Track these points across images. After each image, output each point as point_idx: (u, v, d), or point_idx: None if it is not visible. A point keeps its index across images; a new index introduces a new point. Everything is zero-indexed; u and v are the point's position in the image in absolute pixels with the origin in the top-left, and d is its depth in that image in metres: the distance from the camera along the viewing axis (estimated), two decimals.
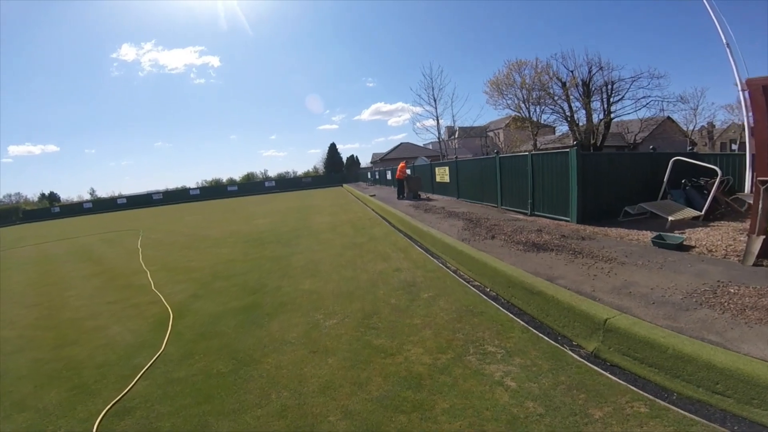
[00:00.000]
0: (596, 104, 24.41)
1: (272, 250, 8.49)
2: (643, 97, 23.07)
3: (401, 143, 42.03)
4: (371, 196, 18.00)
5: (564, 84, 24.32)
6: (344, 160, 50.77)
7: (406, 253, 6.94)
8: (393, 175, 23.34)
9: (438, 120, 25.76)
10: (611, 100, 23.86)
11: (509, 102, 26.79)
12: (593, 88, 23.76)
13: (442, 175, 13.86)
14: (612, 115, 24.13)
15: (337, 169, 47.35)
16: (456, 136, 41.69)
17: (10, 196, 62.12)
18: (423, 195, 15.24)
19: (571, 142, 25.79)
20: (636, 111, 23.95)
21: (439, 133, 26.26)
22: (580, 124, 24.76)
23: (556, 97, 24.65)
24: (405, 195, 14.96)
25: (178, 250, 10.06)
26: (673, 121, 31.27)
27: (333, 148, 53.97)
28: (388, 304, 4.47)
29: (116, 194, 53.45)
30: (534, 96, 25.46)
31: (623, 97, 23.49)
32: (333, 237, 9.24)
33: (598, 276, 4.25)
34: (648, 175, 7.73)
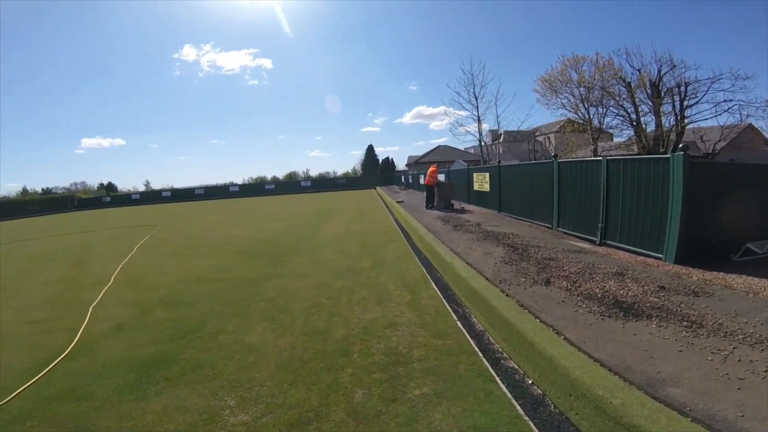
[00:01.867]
0: (666, 108, 20.55)
1: (254, 267, 6.90)
2: (725, 101, 18.89)
3: (439, 146, 39.27)
4: (398, 202, 16.02)
5: (629, 84, 20.75)
6: (381, 162, 49.31)
7: (414, 293, 4.88)
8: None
9: (479, 120, 23.11)
10: (685, 103, 19.89)
11: (564, 101, 23.47)
12: (663, 90, 19.96)
13: (481, 182, 11.56)
14: (686, 120, 20.12)
15: (374, 171, 45.95)
16: (501, 139, 38.45)
17: (76, 184, 68.01)
18: (457, 205, 12.98)
19: (636, 149, 22.04)
20: (716, 116, 19.71)
21: (480, 134, 23.57)
22: (648, 129, 20.97)
23: (618, 98, 21.09)
24: (435, 204, 12.82)
25: (166, 256, 8.87)
26: (755, 129, 25.91)
27: (371, 149, 52.70)
28: (348, 405, 2.62)
29: (169, 187, 56.18)
30: (594, 96, 22.02)
31: (700, 100, 19.43)
32: (333, 256, 7.42)
33: (747, 381, 2.09)
34: None
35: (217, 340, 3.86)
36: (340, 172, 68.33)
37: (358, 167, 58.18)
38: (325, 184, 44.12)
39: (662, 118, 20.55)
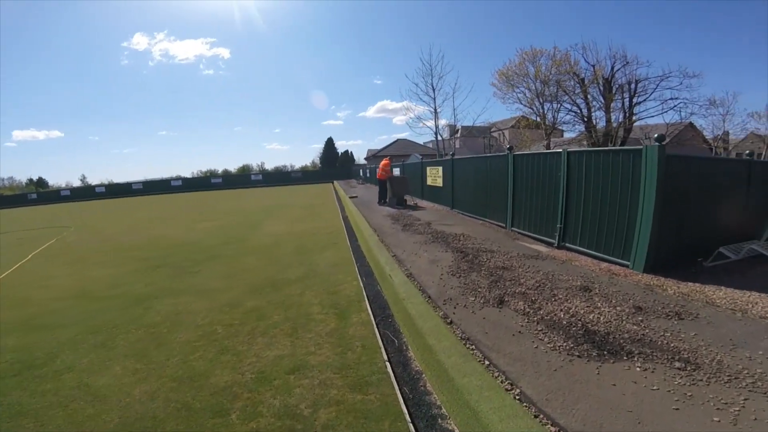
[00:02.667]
0: (616, 104, 21.29)
1: (154, 280, 5.69)
2: (671, 99, 19.83)
3: (398, 139, 38.39)
4: (352, 198, 14.94)
5: (582, 80, 21.17)
6: (340, 155, 47.70)
7: (342, 318, 3.86)
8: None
9: (436, 112, 22.47)
10: (634, 100, 20.70)
11: (520, 96, 23.53)
12: (615, 86, 20.60)
13: (435, 177, 10.80)
14: (634, 117, 20.96)
15: (333, 165, 44.30)
16: (458, 134, 38.44)
17: (2, 179, 59.68)
18: (410, 200, 12.17)
19: (587, 145, 22.64)
20: (662, 113, 20.70)
21: (436, 127, 22.94)
22: (598, 126, 21.61)
23: (572, 94, 21.49)
24: (387, 200, 11.91)
25: (62, 265, 7.35)
26: (694, 127, 27.92)
27: (330, 143, 50.82)
28: None
29: (108, 182, 50.40)
30: (549, 91, 22.25)
31: (648, 97, 20.27)
32: (257, 264, 6.20)
33: None
34: (746, 197, 4.68)
35: (58, 381, 3.00)
36: (298, 165, 65.75)
37: (318, 161, 56.17)
38: (278, 178, 41.61)
39: (612, 114, 21.22)
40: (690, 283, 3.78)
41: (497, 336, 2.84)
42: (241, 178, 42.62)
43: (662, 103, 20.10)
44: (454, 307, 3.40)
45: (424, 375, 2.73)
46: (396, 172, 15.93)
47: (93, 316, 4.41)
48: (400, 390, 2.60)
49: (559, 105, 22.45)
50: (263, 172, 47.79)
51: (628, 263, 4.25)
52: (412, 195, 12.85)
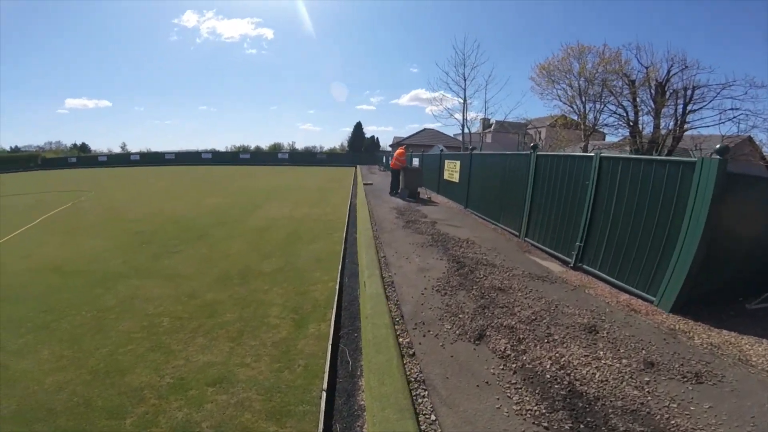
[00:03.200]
0: (668, 110, 19.17)
1: (133, 258, 5.61)
2: (732, 109, 17.51)
3: (425, 128, 36.74)
4: (366, 184, 14.33)
5: (632, 81, 19.26)
6: (367, 140, 46.95)
7: (299, 327, 3.31)
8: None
9: (465, 103, 21.13)
10: (689, 107, 18.50)
11: (560, 92, 21.77)
12: (669, 91, 18.49)
13: (452, 171, 9.95)
14: (686, 125, 18.81)
15: (359, 149, 43.66)
16: (492, 128, 36.64)
17: (51, 143, 63.53)
18: (424, 193, 11.40)
19: (629, 151, 20.81)
20: (719, 124, 18.34)
21: (464, 118, 21.62)
22: (644, 131, 19.66)
23: (618, 95, 19.61)
24: (399, 191, 11.22)
25: (60, 233, 7.37)
26: (753, 142, 24.78)
27: (359, 127, 50.00)
28: None
29: (145, 150, 52.27)
30: (593, 90, 20.43)
31: (706, 105, 18.02)
32: (240, 249, 5.79)
33: None
34: None
35: None
36: (327, 147, 65.65)
37: (346, 144, 55.73)
38: (304, 158, 41.48)
39: (661, 120, 19.23)
40: (725, 331, 2.94)
41: (458, 384, 2.20)
42: (269, 156, 42.83)
43: (720, 113, 17.78)
44: (424, 335, 2.77)
45: (365, 414, 2.15)
46: (415, 162, 15.13)
47: (55, 293, 4.31)
48: (323, 430, 2.04)
49: (602, 106, 20.60)
50: (290, 152, 47.88)
51: (654, 299, 3.41)
52: (426, 188, 12.07)
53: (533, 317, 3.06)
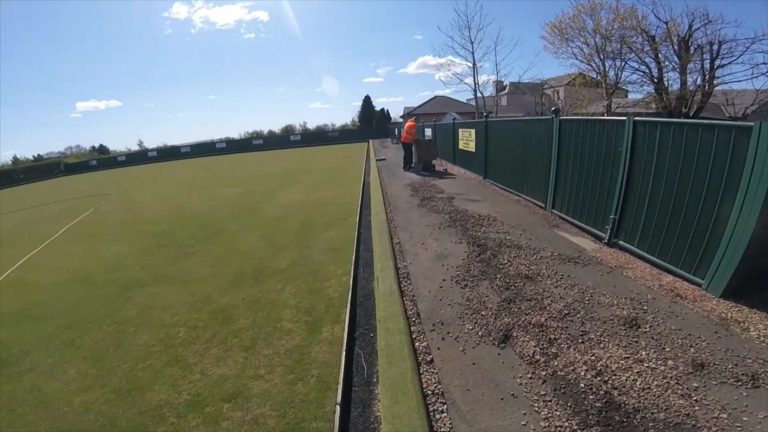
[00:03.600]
0: (694, 66, 17.34)
1: (151, 263, 5.66)
2: (764, 63, 15.60)
3: (436, 96, 34.78)
4: (379, 160, 13.94)
5: (652, 37, 17.53)
6: (377, 113, 45.72)
7: (312, 330, 3.17)
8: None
9: (475, 67, 19.77)
10: (717, 63, 16.58)
11: (576, 51, 20.10)
12: (693, 46, 16.64)
13: (467, 140, 9.40)
14: (716, 81, 16.98)
15: (370, 123, 42.67)
16: (506, 90, 34.64)
17: (71, 148, 65.37)
18: (440, 165, 10.92)
19: (655, 108, 19.25)
20: (751, 79, 16.40)
21: (475, 83, 20.34)
22: (671, 88, 17.99)
23: (639, 52, 17.95)
24: (413, 165, 10.81)
25: (85, 240, 7.60)
26: None
27: (367, 100, 48.60)
28: None
29: (163, 145, 53.16)
30: (612, 47, 18.74)
31: (735, 60, 16.12)
32: (255, 243, 5.71)
33: None
34: None
35: (17, 382, 3.01)
36: (339, 123, 64.55)
37: (357, 119, 54.64)
38: (316, 138, 40.96)
39: (687, 76, 17.54)
40: None
41: (480, 397, 2.00)
42: (281, 139, 42.60)
43: (753, 68, 16.02)
44: (442, 338, 2.57)
45: (381, 427, 2.01)
46: (428, 133, 14.50)
47: (79, 306, 4.42)
48: None
49: (623, 63, 18.93)
50: (302, 133, 47.47)
51: (702, 281, 3.03)
52: (441, 159, 11.56)
53: (566, 311, 2.78)
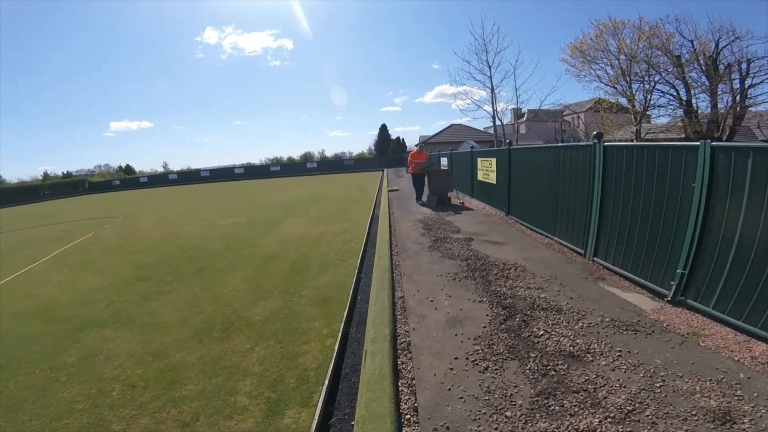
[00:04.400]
0: (724, 86, 16.48)
1: (116, 300, 4.90)
2: None
3: (452, 124, 34.30)
4: (391, 191, 13.23)
5: (678, 57, 16.93)
6: (392, 142, 45.95)
7: (271, 415, 2.27)
8: (430, 162, 18.10)
9: (493, 93, 19.27)
10: (747, 82, 15.64)
11: (599, 73, 19.58)
12: (722, 66, 15.86)
13: (487, 170, 8.56)
14: (748, 101, 15.97)
15: (386, 152, 42.77)
16: (525, 118, 34.12)
17: (99, 166, 68.48)
18: (456, 198, 10.05)
19: (684, 133, 18.27)
20: None
21: (494, 110, 19.75)
22: (700, 110, 17.09)
23: (665, 73, 17.31)
24: (427, 198, 10.02)
25: (69, 267, 7.00)
26: None
27: (384, 129, 49.23)
28: None
29: (186, 168, 54.93)
30: (640, 68, 18.10)
31: (766, 79, 15.20)
32: (238, 285, 4.89)
33: None
34: None
35: None
36: (356, 152, 65.54)
37: (373, 147, 55.19)
38: (332, 165, 41.16)
39: (718, 98, 16.66)
40: None
41: None
42: (297, 167, 43.14)
43: None
44: None
45: None
46: (443, 162, 13.79)
47: (22, 343, 3.79)
48: None
49: (652, 85, 18.18)
50: (318, 160, 48.11)
51: None
52: (460, 191, 10.70)
53: (629, 406, 1.86)
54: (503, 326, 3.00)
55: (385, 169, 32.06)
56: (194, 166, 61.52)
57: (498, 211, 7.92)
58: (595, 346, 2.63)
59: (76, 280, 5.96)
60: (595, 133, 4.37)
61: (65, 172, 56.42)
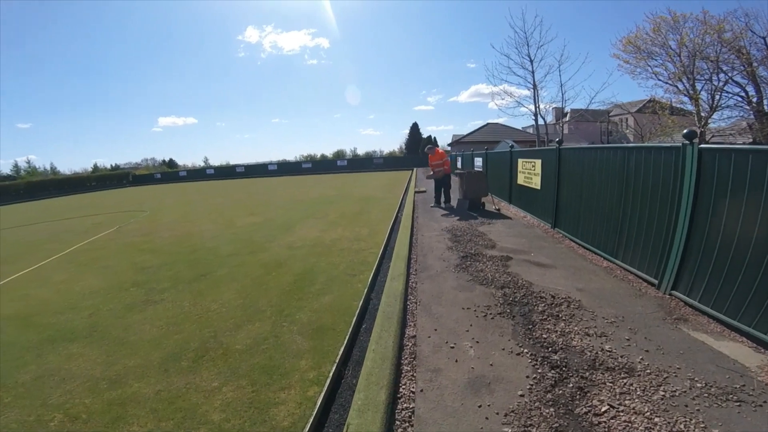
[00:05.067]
0: None
1: (103, 308, 4.38)
2: None
3: (488, 123, 32.04)
4: (419, 192, 12.29)
5: (747, 53, 14.87)
6: (423, 140, 44.69)
7: None
8: (463, 162, 16.88)
9: (536, 88, 17.61)
10: None
11: (658, 70, 17.53)
12: None
13: (529, 173, 7.43)
14: None
15: (417, 151, 41.62)
16: (567, 118, 31.78)
17: (146, 160, 72.55)
18: (493, 204, 8.96)
19: (753, 136, 16.03)
20: None
21: (536, 107, 18.09)
22: None
23: (733, 72, 15.31)
24: (444, 201, 9.16)
25: (77, 265, 6.75)
26: None
27: (415, 128, 48.06)
28: None
29: (225, 163, 56.84)
30: (707, 65, 15.99)
31: None
32: (228, 301, 4.23)
33: None
34: None
35: None
36: (387, 150, 64.91)
37: (404, 146, 54.26)
38: (361, 164, 40.56)
39: None
40: None
41: None
42: (328, 164, 43.16)
43: None
44: None
45: None
46: (478, 163, 12.64)
47: None
48: None
49: (720, 84, 15.99)
50: (348, 158, 48.02)
51: None
52: (494, 195, 9.57)
53: None
54: (549, 396, 2.07)
55: (415, 169, 31.03)
56: (233, 161, 63.47)
57: (541, 222, 6.78)
58: (682, 427, 1.67)
59: (75, 282, 5.64)
60: (685, 131, 3.25)
61: (113, 165, 60.26)
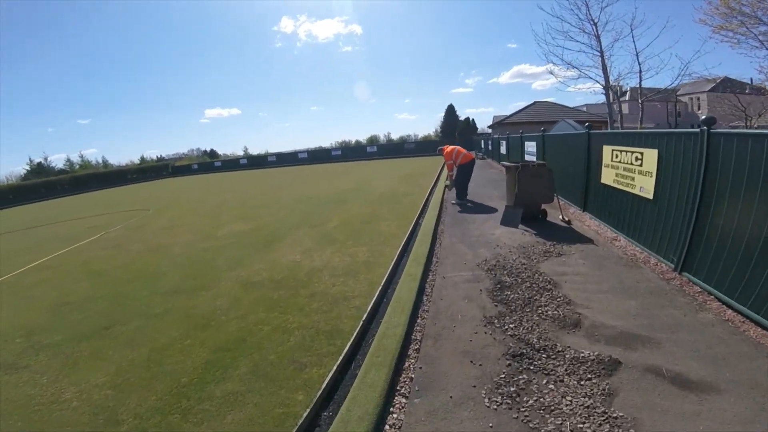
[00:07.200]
0: None
1: (72, 325, 2.39)
2: None
3: (536, 101, 27.02)
4: (449, 187, 9.65)
5: None
6: (461, 123, 40.89)
7: None
8: (508, 147, 13.84)
9: (602, 54, 13.90)
10: None
11: (763, 37, 12.89)
12: None
13: (628, 170, 4.65)
14: None
15: (452, 135, 38.12)
16: (627, 96, 27.18)
17: (193, 150, 74.81)
18: (560, 213, 6.19)
19: None
20: None
21: (606, 77, 14.37)
22: None
23: None
24: (457, 198, 7.45)
25: (64, 273, 5.69)
26: None
27: (451, 110, 44.17)
28: None
29: (264, 152, 56.43)
30: None
31: None
32: (91, 397, 2.23)
33: None
34: None
35: None
36: (421, 134, 61.55)
37: (440, 129, 50.75)
38: (391, 150, 37.65)
39: None
40: None
41: None
42: (358, 151, 40.98)
43: None
44: None
45: None
46: (530, 149, 9.76)
47: None
48: None
49: None
50: (379, 144, 45.46)
51: None
52: (560, 197, 6.78)
53: None
54: None
55: None
56: (272, 150, 63.27)
57: (652, 255, 4.06)
58: None
59: (48, 294, 4.95)
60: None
61: (159, 156, 62.42)
